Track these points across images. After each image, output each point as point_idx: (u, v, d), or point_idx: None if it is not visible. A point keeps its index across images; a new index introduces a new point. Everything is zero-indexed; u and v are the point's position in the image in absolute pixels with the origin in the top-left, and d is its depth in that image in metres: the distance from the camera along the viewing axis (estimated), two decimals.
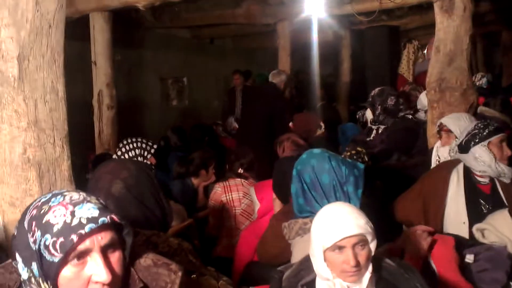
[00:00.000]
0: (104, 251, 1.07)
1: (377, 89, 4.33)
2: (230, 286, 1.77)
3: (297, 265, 1.69)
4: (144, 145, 3.47)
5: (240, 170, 3.68)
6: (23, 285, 1.09)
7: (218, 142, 6.17)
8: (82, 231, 1.02)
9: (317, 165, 2.04)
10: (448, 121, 3.09)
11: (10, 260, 1.18)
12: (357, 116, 6.69)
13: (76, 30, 5.31)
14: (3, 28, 1.69)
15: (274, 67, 6.89)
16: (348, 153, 3.20)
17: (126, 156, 3.44)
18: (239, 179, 3.62)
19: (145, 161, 3.50)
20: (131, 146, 3.47)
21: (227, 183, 3.61)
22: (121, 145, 3.49)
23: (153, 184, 1.74)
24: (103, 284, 1.06)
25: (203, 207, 4.05)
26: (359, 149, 3.26)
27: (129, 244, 1.15)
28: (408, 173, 3.55)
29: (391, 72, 7.10)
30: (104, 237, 1.06)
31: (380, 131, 4.25)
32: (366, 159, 3.19)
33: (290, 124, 5.18)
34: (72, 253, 1.03)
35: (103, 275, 1.04)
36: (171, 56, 8.05)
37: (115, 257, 1.10)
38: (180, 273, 1.20)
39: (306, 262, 1.66)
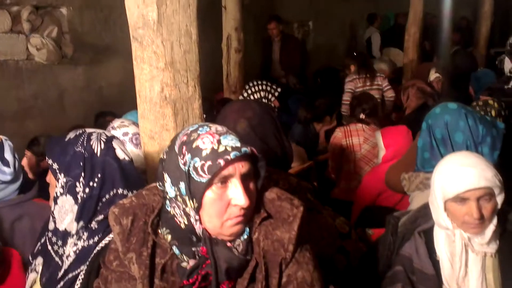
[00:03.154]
0: (243, 179, 1.17)
1: None
2: (346, 226, 1.81)
3: (415, 212, 1.68)
4: (269, 88, 3.58)
5: (362, 116, 3.64)
6: (168, 203, 1.23)
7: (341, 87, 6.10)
8: (228, 157, 1.13)
9: (451, 121, 1.95)
10: None
11: (154, 184, 1.34)
12: (496, 63, 6.13)
13: None
14: None
15: (402, 9, 6.45)
16: (475, 103, 2.95)
17: (252, 98, 3.57)
18: (360, 125, 3.59)
19: (269, 103, 3.61)
20: (256, 88, 3.59)
21: (348, 128, 3.61)
22: (247, 87, 3.63)
23: (276, 125, 1.80)
24: (241, 208, 1.16)
25: (323, 150, 4.11)
26: (490, 102, 2.95)
27: (262, 175, 1.24)
28: None
29: None
30: (244, 166, 1.16)
31: None
32: (493, 114, 2.89)
33: None
34: (217, 176, 1.14)
35: (242, 200, 1.15)
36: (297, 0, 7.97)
37: (251, 185, 1.21)
38: (301, 208, 1.26)
39: (424, 209, 1.64)
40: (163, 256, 1.25)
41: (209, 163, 1.12)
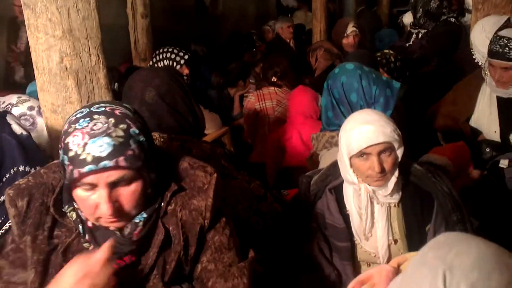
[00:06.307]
0: (112, 186, 1.10)
1: None
2: (262, 188, 1.85)
3: (325, 170, 1.74)
4: (173, 56, 3.45)
5: (274, 79, 3.67)
6: None
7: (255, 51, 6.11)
8: (82, 170, 1.05)
9: (346, 82, 2.03)
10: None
11: (55, 161, 1.27)
12: (398, 22, 6.43)
13: None
14: None
15: None
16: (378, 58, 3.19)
17: (160, 64, 3.46)
18: (273, 88, 3.63)
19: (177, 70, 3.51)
20: (162, 56, 3.47)
21: (260, 91, 3.63)
22: (154, 54, 3.52)
23: (185, 91, 1.77)
24: (110, 214, 1.10)
25: (239, 115, 4.13)
26: (385, 51, 3.21)
27: (151, 179, 1.16)
28: (448, 79, 3.46)
29: None
30: (111, 175, 1.08)
31: (420, 36, 4.10)
32: (392, 59, 3.16)
33: None
34: (78, 182, 1.09)
35: (105, 210, 1.09)
36: None
37: (128, 190, 1.12)
38: (215, 175, 1.26)
39: (334, 167, 1.71)
40: (68, 235, 1.20)
41: (70, 167, 1.07)
